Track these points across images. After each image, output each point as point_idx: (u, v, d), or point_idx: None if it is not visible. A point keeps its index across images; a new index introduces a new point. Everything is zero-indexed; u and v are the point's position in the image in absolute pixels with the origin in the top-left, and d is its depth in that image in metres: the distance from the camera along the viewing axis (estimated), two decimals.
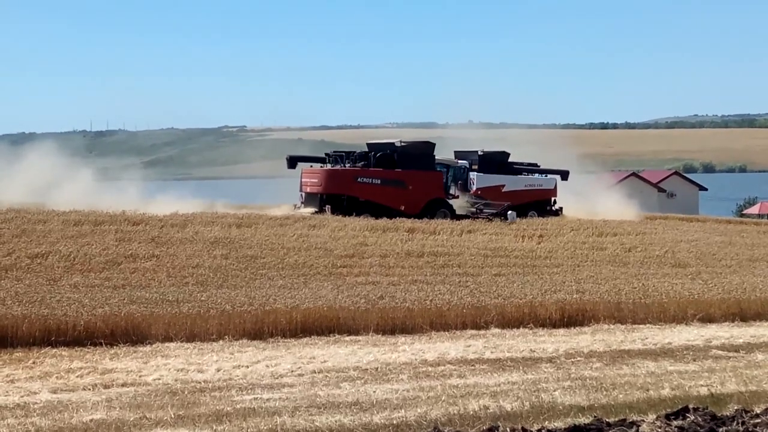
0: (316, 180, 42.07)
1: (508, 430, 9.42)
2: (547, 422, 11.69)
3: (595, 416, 10.79)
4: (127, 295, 22.02)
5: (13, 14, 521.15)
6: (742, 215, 79.04)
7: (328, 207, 40.53)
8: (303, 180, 42.88)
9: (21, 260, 25.40)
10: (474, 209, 44.97)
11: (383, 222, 37.62)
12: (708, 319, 24.23)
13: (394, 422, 12.56)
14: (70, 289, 22.50)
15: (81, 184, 43.49)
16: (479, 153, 48.82)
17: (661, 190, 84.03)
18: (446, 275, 27.90)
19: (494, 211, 44.42)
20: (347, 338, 20.39)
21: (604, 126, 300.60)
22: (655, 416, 10.01)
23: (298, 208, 42.39)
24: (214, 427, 12.34)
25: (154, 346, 18.98)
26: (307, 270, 27.17)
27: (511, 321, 22.51)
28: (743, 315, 24.79)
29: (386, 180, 41.94)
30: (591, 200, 52.11)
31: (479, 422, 11.74)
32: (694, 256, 35.12)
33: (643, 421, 9.73)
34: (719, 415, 9.94)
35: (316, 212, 40.40)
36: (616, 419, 10.12)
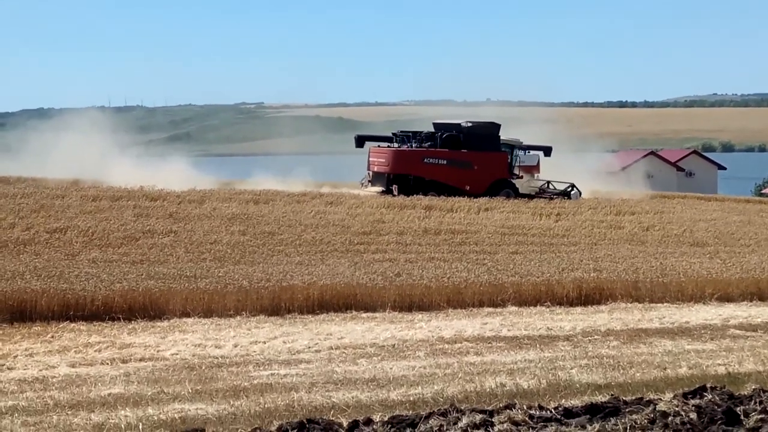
0: (383, 160, 42.70)
1: (524, 407, 9.40)
2: (563, 400, 11.70)
3: (612, 394, 10.78)
4: (144, 270, 22.10)
5: None
6: (761, 195, 78.68)
7: (395, 186, 41.05)
8: (371, 159, 43.58)
9: (40, 235, 25.51)
10: (537, 189, 45.12)
11: (400, 199, 37.81)
12: (726, 298, 24.12)
13: (411, 399, 12.59)
14: (89, 264, 22.60)
15: (105, 159, 43.65)
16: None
17: (679, 169, 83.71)
18: (463, 253, 27.87)
19: (558, 191, 44.54)
20: (364, 315, 20.42)
21: (622, 104, 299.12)
22: (672, 395, 9.97)
23: (365, 186, 42.99)
24: (232, 402, 12.39)
25: (171, 321, 19.05)
26: (325, 247, 27.19)
27: (528, 299, 22.49)
28: (761, 294, 24.66)
29: (452, 161, 42.57)
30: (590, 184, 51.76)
31: (496, 399, 11.75)
32: (712, 236, 34.98)
33: (661, 399, 9.69)
34: (737, 394, 9.90)
35: (383, 191, 40.85)
36: (633, 398, 10.09)
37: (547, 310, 21.90)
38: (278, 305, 20.33)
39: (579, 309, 22.23)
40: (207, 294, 20.17)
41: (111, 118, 60.52)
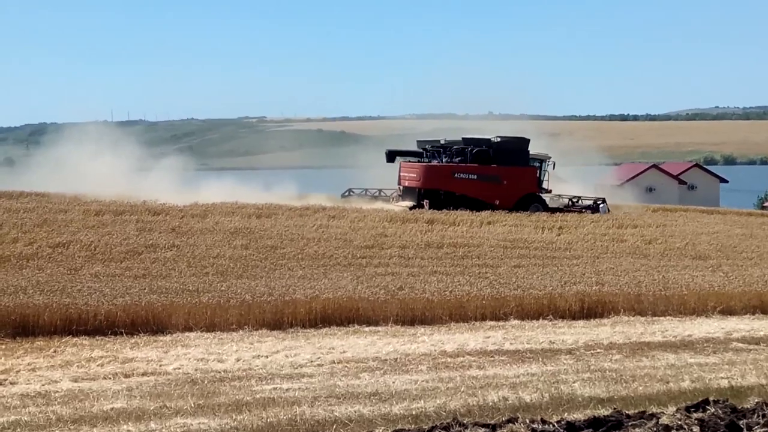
0: (414, 175, 43.07)
1: (527, 421, 9.41)
2: (566, 414, 11.67)
3: (614, 408, 10.76)
4: (147, 284, 22.11)
5: (32, 4, 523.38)
6: (764, 208, 78.58)
7: (426, 201, 41.34)
8: (401, 174, 43.89)
9: (42, 249, 25.54)
10: (567, 203, 45.22)
11: (402, 213, 37.85)
12: (728, 311, 24.13)
13: (413, 413, 12.57)
14: (91, 278, 22.62)
15: (113, 173, 43.60)
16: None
17: (681, 182, 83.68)
18: (466, 266, 27.88)
19: (586, 205, 44.63)
20: (366, 329, 20.42)
21: (624, 117, 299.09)
22: (675, 408, 9.97)
23: (395, 200, 43.10)
24: (234, 417, 12.39)
25: (174, 335, 19.06)
26: (327, 260, 27.20)
27: (530, 312, 22.49)
28: (764, 308, 24.67)
29: (482, 175, 42.82)
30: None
31: (498, 413, 11.75)
32: (714, 249, 34.97)
33: (663, 413, 9.69)
34: (739, 407, 9.90)
35: (414, 206, 40.99)
36: (636, 411, 10.10)
37: (550, 323, 21.91)
38: (281, 319, 20.34)
39: (581, 322, 22.24)
40: (209, 308, 20.18)
41: (113, 133, 60.43)
